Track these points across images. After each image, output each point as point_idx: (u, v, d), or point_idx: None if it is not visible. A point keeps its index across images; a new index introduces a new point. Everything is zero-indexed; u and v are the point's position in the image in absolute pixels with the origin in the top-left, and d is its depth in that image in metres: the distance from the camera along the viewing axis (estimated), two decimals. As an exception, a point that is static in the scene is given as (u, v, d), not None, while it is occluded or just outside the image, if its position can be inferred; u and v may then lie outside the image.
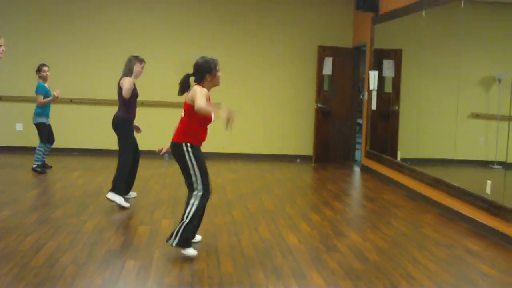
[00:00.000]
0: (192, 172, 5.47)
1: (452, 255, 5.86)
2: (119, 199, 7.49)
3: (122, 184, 7.60)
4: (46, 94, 9.64)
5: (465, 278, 5.19)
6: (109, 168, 9.87)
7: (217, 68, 5.50)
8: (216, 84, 5.55)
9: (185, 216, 5.47)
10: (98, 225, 6.47)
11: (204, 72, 5.44)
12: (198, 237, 5.96)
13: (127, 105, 7.53)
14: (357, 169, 11.54)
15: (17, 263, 5.06)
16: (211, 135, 5.85)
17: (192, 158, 5.45)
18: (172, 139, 5.58)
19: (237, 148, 12.23)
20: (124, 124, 7.55)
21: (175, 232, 5.46)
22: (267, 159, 12.16)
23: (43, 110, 9.69)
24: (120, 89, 7.48)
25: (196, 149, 5.49)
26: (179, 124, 5.58)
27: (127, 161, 7.62)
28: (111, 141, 10.93)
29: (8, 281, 4.62)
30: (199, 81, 5.46)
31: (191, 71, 5.53)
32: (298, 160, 12.22)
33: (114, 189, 7.54)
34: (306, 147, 12.32)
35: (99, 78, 11.76)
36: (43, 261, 5.14)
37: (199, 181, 5.48)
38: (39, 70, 9.71)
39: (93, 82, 11.84)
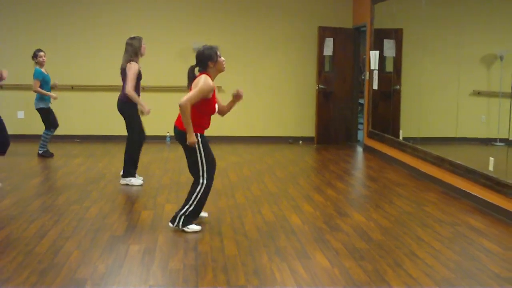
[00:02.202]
0: (199, 161, 5.62)
1: (455, 232, 5.87)
2: (132, 180, 7.76)
3: (132, 166, 7.80)
4: (44, 79, 9.57)
5: (469, 255, 5.19)
6: (111, 154, 9.90)
7: (218, 53, 5.61)
8: (220, 69, 5.68)
9: (189, 202, 5.67)
10: (101, 211, 6.48)
11: (206, 59, 5.55)
12: (204, 214, 6.10)
13: None
14: (359, 149, 11.53)
15: (21, 251, 5.07)
16: (212, 118, 5.86)
17: (201, 148, 5.60)
18: (179, 126, 5.63)
19: (239, 131, 12.21)
20: (129, 106, 7.56)
21: (178, 216, 5.68)
22: (269, 141, 12.13)
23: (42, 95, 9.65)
24: (124, 72, 7.46)
25: (203, 138, 5.64)
26: None
27: (135, 143, 7.70)
28: (112, 127, 11.01)
29: (13, 268, 4.63)
30: (203, 70, 5.58)
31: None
32: (300, 142, 12.20)
33: (125, 174, 7.77)
34: (308, 128, 12.30)
35: (100, 65, 11.73)
36: (47, 248, 5.15)
37: (205, 169, 5.64)
38: (35, 56, 9.60)
39: (94, 69, 11.81)
